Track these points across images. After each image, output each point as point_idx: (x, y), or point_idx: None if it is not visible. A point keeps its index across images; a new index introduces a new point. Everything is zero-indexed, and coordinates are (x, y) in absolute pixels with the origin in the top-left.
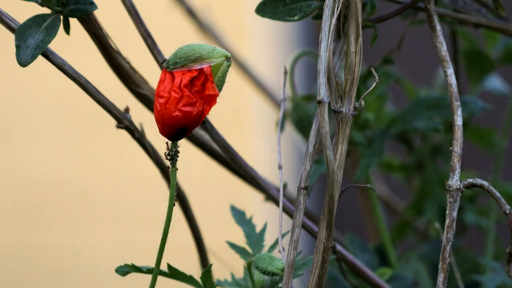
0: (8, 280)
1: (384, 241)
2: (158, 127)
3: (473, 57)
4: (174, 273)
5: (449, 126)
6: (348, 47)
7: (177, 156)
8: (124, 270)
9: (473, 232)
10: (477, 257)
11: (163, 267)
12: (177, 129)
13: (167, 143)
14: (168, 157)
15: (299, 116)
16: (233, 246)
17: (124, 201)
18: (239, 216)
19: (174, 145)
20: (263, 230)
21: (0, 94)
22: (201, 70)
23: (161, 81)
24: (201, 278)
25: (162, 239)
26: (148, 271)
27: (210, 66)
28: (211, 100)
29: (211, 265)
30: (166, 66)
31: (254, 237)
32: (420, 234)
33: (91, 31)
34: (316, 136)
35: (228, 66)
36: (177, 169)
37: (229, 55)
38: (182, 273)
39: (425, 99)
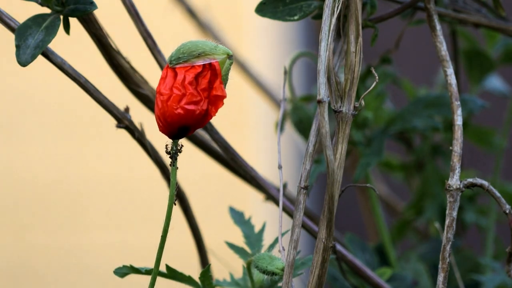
0: (8, 280)
1: (384, 241)
2: (159, 125)
3: (473, 57)
4: (172, 274)
5: (449, 125)
6: (348, 47)
7: (178, 155)
8: (123, 271)
9: (473, 232)
10: (477, 257)
11: (163, 267)
12: (178, 127)
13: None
14: (169, 156)
15: (299, 118)
16: (231, 246)
17: (124, 201)
18: (238, 216)
19: (175, 143)
20: (262, 230)
21: (0, 93)
22: (205, 66)
23: (162, 78)
24: (199, 278)
25: (161, 238)
26: (147, 272)
27: (218, 62)
28: (217, 101)
29: (209, 265)
30: (169, 61)
31: (253, 237)
32: (420, 234)
33: (91, 31)
34: (316, 136)
35: (230, 64)
36: (177, 168)
37: (231, 52)
38: (181, 274)
39: (424, 98)
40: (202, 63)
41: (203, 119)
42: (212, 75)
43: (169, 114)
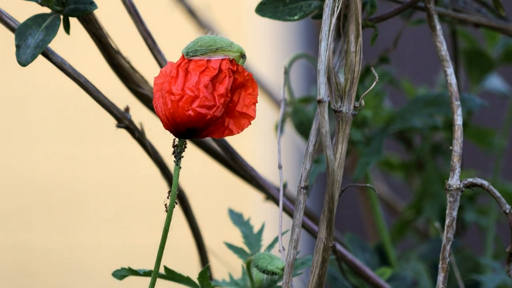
0: (8, 280)
1: (384, 240)
2: (164, 123)
3: (473, 56)
4: (171, 275)
5: (449, 124)
6: (348, 47)
7: (182, 154)
8: (121, 273)
9: (473, 231)
10: (477, 256)
11: (162, 268)
12: (187, 128)
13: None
14: (173, 154)
15: (300, 120)
16: (230, 246)
17: (124, 201)
18: (237, 217)
19: (181, 142)
20: (261, 230)
21: (0, 93)
22: (221, 70)
23: (172, 77)
24: (198, 278)
25: (162, 237)
26: (145, 273)
27: (252, 76)
28: (243, 119)
29: (208, 265)
30: (185, 53)
31: (252, 237)
32: (420, 234)
33: (91, 30)
34: (316, 136)
35: (243, 62)
36: (180, 167)
37: (245, 51)
38: (180, 275)
39: (424, 97)
40: (221, 58)
41: (216, 126)
42: (235, 86)
43: (179, 114)
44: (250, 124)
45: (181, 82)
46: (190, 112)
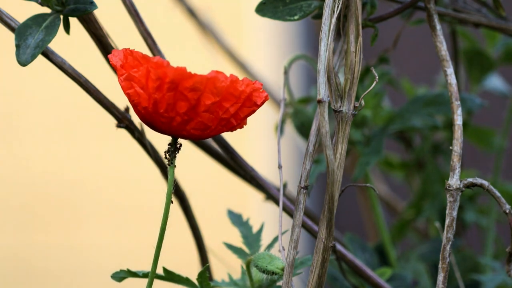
0: (8, 280)
1: (384, 240)
2: (153, 130)
3: (473, 56)
4: (170, 276)
5: (449, 124)
6: (348, 47)
7: (176, 152)
8: (120, 275)
9: (473, 231)
10: (477, 256)
11: (161, 267)
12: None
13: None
14: (168, 154)
15: (301, 121)
16: (229, 246)
17: (124, 201)
18: (236, 218)
19: (174, 141)
20: (260, 230)
21: (0, 93)
22: (229, 95)
23: (160, 101)
24: (197, 279)
25: (159, 236)
26: (144, 275)
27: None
28: (234, 127)
29: (207, 265)
30: None
31: (251, 237)
32: (420, 234)
33: (91, 30)
34: (316, 136)
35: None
36: (175, 166)
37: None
38: (178, 275)
39: (423, 97)
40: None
41: (206, 138)
42: (241, 106)
43: (172, 132)
44: (241, 128)
45: (170, 101)
46: (184, 133)
